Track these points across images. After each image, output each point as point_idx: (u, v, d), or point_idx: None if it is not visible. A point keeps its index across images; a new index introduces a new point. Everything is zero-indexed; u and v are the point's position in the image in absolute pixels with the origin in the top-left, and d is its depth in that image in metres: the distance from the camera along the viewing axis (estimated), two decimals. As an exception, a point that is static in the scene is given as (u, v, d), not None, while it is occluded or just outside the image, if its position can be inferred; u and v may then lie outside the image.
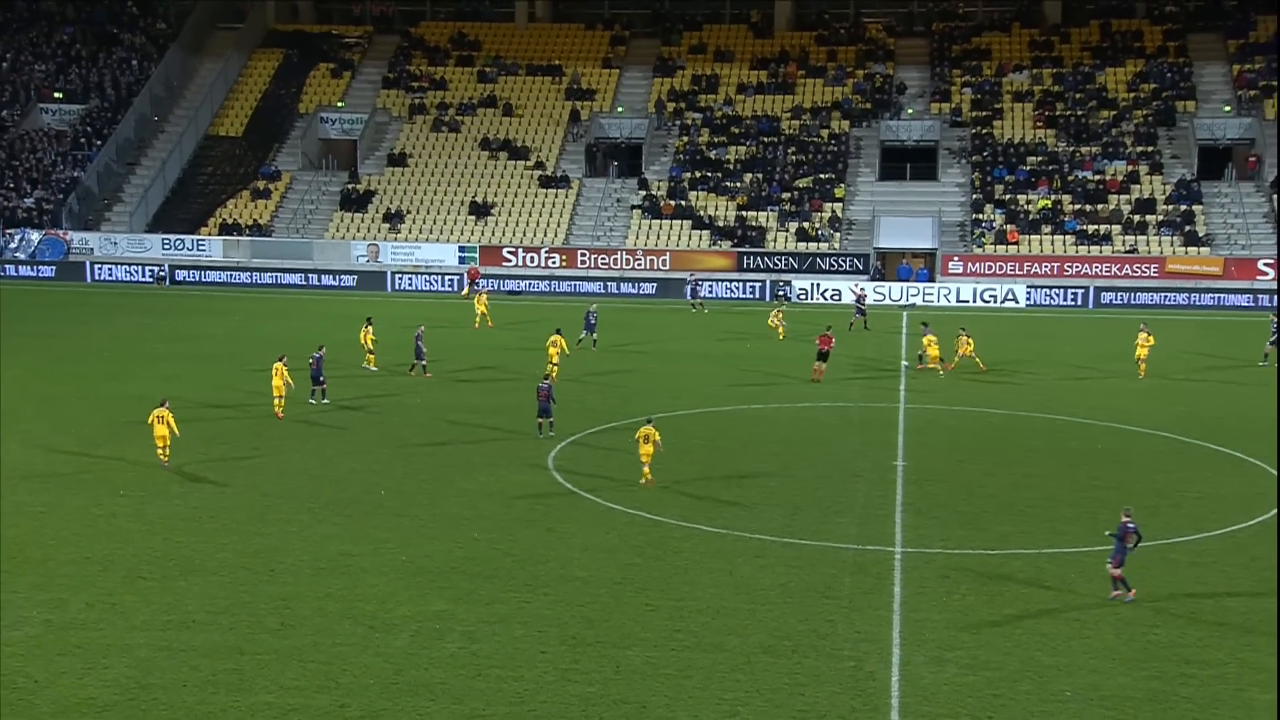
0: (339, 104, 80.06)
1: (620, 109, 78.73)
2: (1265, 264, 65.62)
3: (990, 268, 67.75)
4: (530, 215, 73.18)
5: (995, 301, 65.95)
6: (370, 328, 46.03)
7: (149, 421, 33.12)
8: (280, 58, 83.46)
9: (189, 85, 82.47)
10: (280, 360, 38.51)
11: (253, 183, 76.00)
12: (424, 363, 44.33)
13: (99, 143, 77.37)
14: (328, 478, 32.53)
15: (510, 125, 78.57)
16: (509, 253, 69.97)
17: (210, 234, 72.48)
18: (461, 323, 55.99)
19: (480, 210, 73.20)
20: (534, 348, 47.85)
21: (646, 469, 31.78)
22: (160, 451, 32.89)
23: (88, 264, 70.83)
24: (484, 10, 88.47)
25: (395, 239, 71.76)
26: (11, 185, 75.35)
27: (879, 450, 35.96)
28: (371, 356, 45.49)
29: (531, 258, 69.85)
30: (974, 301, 65.99)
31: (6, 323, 56.27)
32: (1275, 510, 29.95)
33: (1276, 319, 50.32)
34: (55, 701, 20.30)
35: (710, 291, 65.70)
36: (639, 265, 68.93)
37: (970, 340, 46.66)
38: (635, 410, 38.47)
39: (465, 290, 58.26)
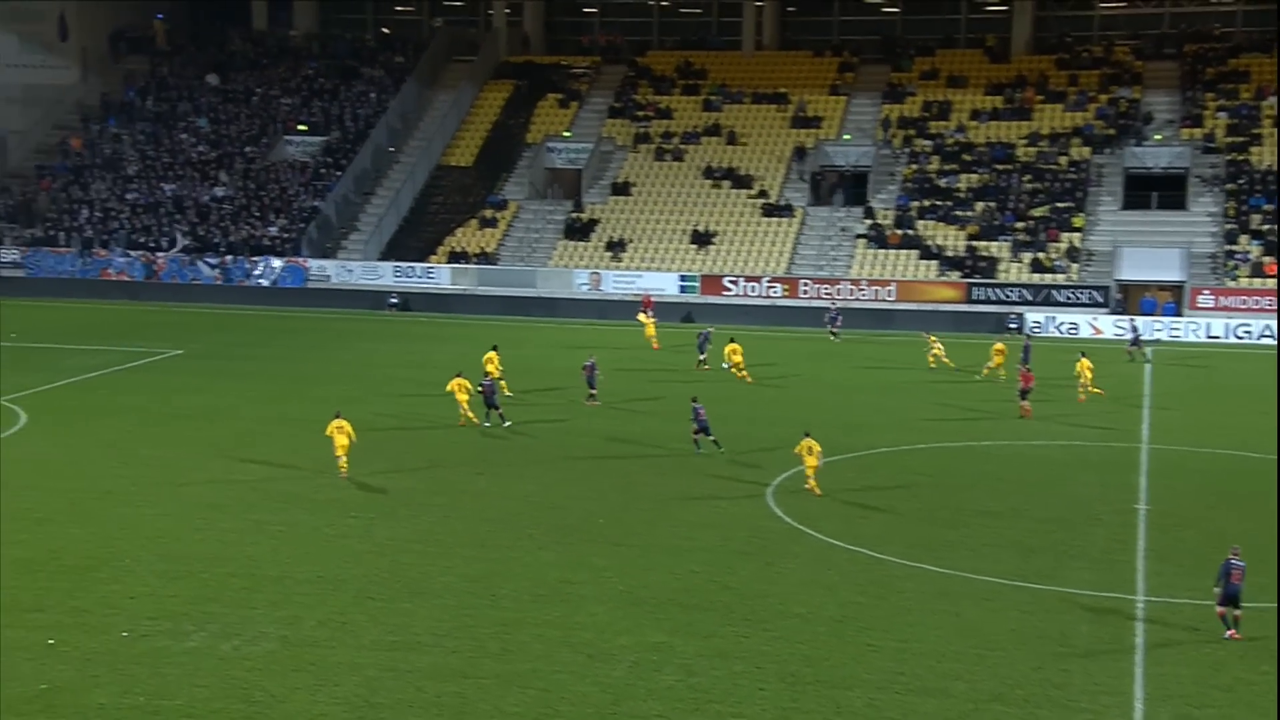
0: (565, 133, 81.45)
1: (847, 136, 77.76)
2: None
3: (1244, 302, 63.99)
4: (752, 244, 72.85)
5: (1250, 338, 62.21)
6: (496, 354, 46.24)
7: (328, 433, 34.80)
8: (511, 89, 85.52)
9: (423, 117, 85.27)
10: (459, 375, 41.39)
11: (481, 211, 77.93)
12: (594, 391, 44.94)
13: (338, 173, 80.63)
14: (547, 504, 32.76)
15: (734, 154, 78.49)
16: (730, 282, 69.76)
17: (439, 262, 74.63)
18: (642, 347, 57.09)
19: (702, 239, 73.26)
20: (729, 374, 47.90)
21: (813, 480, 33.05)
22: (341, 460, 34.42)
23: (325, 290, 73.78)
24: (711, 39, 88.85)
25: (617, 267, 72.43)
26: (258, 214, 79.22)
27: (1119, 493, 34.18)
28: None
29: (753, 287, 69.47)
30: (1225, 337, 62.43)
31: (249, 347, 59.02)
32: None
33: None
34: (289, 716, 20.84)
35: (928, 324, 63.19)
36: (863, 295, 67.76)
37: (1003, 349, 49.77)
38: (857, 444, 37.59)
39: (641, 314, 59.85)
